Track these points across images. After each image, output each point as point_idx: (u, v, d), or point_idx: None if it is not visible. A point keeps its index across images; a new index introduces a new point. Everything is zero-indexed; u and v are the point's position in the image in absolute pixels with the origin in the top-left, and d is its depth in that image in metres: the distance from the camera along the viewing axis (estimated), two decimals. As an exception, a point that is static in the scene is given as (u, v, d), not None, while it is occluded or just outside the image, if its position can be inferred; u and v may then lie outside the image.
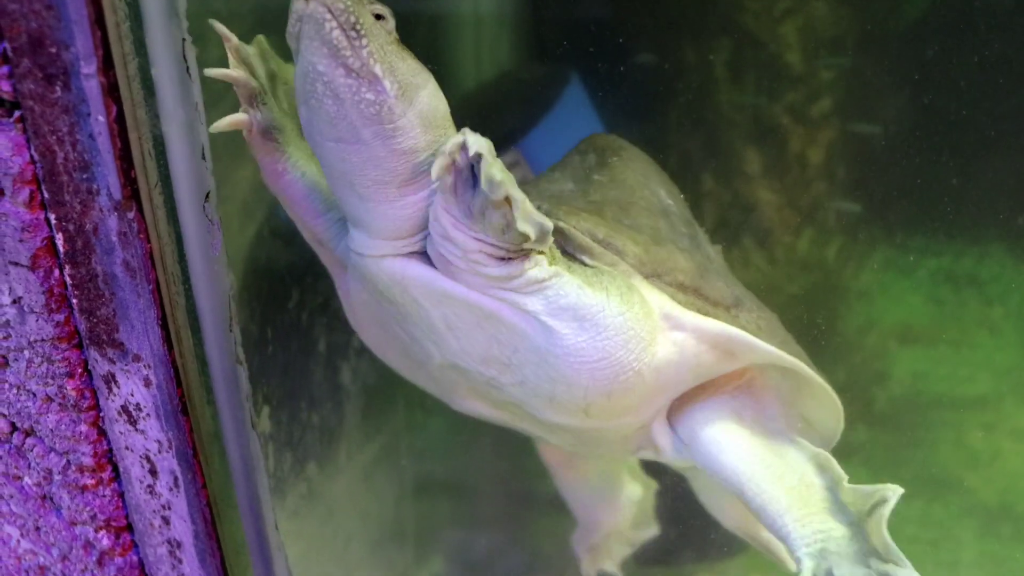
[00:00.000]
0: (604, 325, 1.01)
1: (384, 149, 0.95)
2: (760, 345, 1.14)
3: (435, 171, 0.90)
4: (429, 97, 0.97)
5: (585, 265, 1.08)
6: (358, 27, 0.90)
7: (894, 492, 1.14)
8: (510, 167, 1.52)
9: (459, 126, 1.67)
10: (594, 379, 1.04)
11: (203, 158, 1.01)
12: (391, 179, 0.98)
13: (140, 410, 1.11)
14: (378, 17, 0.95)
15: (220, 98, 1.25)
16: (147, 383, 1.08)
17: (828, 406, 1.28)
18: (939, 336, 1.73)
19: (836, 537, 1.12)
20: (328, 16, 0.89)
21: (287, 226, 1.52)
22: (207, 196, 1.03)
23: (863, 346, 1.73)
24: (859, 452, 1.80)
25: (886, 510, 1.13)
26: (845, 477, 1.19)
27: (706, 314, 1.13)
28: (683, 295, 1.14)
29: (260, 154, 1.11)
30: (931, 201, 1.66)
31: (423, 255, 1.03)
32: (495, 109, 1.64)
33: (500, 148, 1.52)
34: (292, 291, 1.39)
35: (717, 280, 1.20)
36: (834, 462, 1.22)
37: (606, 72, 1.63)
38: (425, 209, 1.00)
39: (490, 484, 1.75)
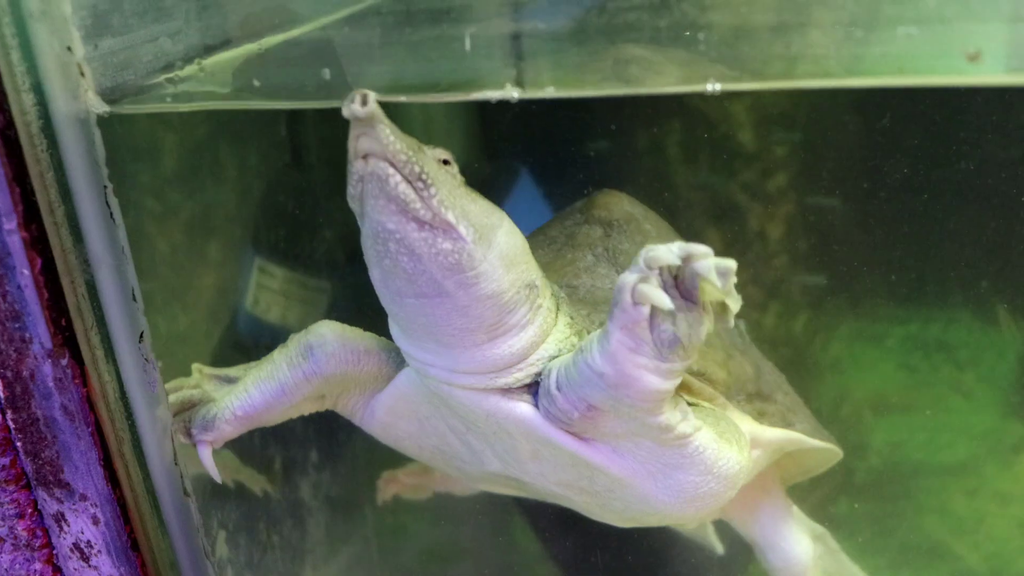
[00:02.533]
0: (726, 475, 0.98)
1: (468, 297, 0.89)
2: (811, 442, 1.19)
3: (647, 296, 0.81)
4: (506, 236, 0.92)
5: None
6: (424, 177, 0.85)
7: None
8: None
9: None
10: (692, 510, 1.02)
11: (134, 299, 1.02)
12: (477, 326, 0.92)
13: (91, 547, 1.11)
14: (444, 163, 0.91)
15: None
16: (95, 521, 1.08)
17: (830, 459, 1.34)
18: (914, 403, 1.72)
19: None
20: (391, 171, 0.83)
21: (248, 336, 1.53)
22: (140, 336, 1.04)
23: (838, 418, 1.72)
24: (844, 525, 1.77)
25: None
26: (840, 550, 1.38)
27: (764, 415, 1.12)
28: (750, 404, 1.13)
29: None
30: (894, 269, 1.66)
31: (523, 393, 0.98)
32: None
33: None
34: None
35: (764, 369, 1.21)
36: (828, 535, 1.39)
37: (556, 162, 1.64)
38: (516, 348, 0.95)
39: (469, 572, 1.74)
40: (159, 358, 1.11)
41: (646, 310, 0.82)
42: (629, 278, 0.82)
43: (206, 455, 1.12)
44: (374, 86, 0.83)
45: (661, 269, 0.82)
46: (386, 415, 1.12)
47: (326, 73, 0.99)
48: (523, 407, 0.97)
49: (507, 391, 0.97)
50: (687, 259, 0.81)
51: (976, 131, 1.57)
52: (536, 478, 1.06)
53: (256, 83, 1.06)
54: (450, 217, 0.86)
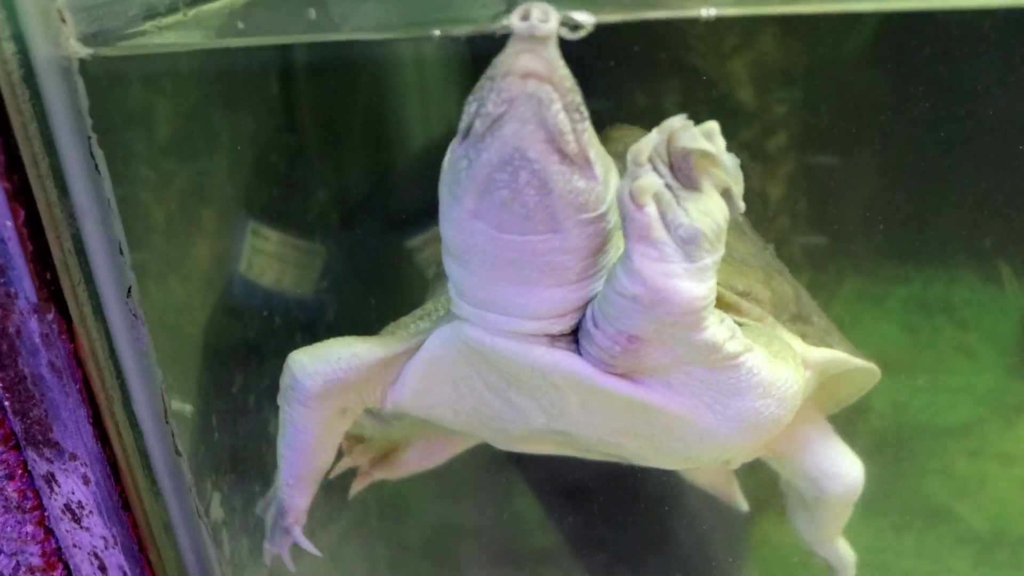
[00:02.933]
0: (785, 397, 0.94)
1: (581, 237, 0.85)
2: (855, 361, 1.17)
3: (643, 189, 0.79)
4: (616, 179, 0.88)
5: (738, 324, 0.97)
6: (581, 109, 0.80)
7: None
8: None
9: (405, 189, 1.68)
10: (754, 439, 0.98)
11: (120, 253, 1.00)
12: (574, 264, 0.88)
13: (83, 508, 1.09)
14: None
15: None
16: (86, 481, 1.07)
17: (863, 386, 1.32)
18: (916, 364, 1.70)
19: None
20: (555, 96, 0.77)
21: (242, 302, 1.51)
22: (128, 291, 1.02)
23: (840, 380, 1.71)
24: (846, 488, 1.77)
25: None
26: None
27: (806, 336, 1.10)
28: (794, 325, 1.11)
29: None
30: (896, 229, 1.64)
31: (568, 342, 0.94)
32: (438, 171, 1.62)
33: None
34: (235, 375, 1.38)
35: (800, 291, 1.19)
36: None
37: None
38: (594, 289, 0.91)
39: (472, 545, 1.73)
40: (156, 328, 1.10)
41: (652, 210, 0.79)
42: (624, 184, 0.80)
43: (302, 540, 1.20)
44: (363, 25, 0.80)
45: (652, 162, 0.80)
46: (419, 382, 1.06)
47: (311, 13, 0.96)
48: (568, 356, 0.93)
49: (553, 340, 0.93)
50: (671, 140, 0.79)
51: (981, 86, 1.55)
52: (586, 429, 1.02)
53: (240, 25, 1.04)
54: (592, 155, 0.81)
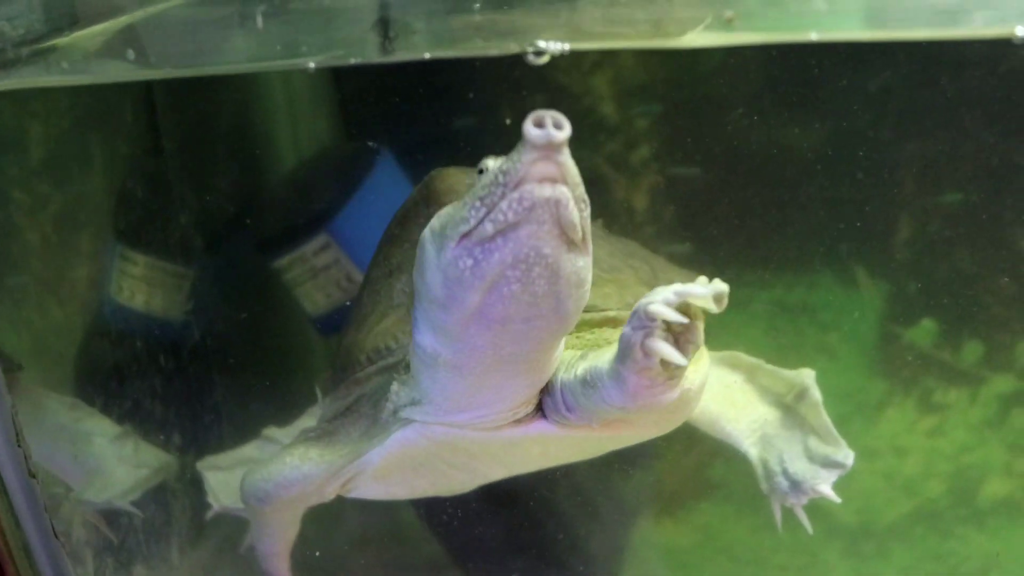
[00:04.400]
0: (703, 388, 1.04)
1: (574, 310, 0.88)
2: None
3: (657, 351, 0.83)
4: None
5: None
6: (585, 197, 0.82)
7: (809, 375, 1.34)
8: (320, 251, 1.54)
9: (270, 211, 1.69)
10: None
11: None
12: (556, 343, 0.93)
13: (-65, 535, 1.10)
14: None
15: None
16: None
17: None
18: (782, 366, 1.75)
19: (771, 420, 1.29)
20: (569, 194, 0.78)
21: (115, 324, 1.52)
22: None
23: (709, 384, 1.76)
24: (720, 488, 1.82)
25: (815, 393, 1.30)
26: (760, 361, 1.37)
27: None
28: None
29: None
30: (757, 236, 1.69)
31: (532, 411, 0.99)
32: (302, 192, 1.64)
33: (309, 232, 1.54)
34: (96, 399, 1.39)
35: (654, 262, 1.31)
36: (741, 354, 1.38)
37: (421, 141, 1.64)
38: (552, 371, 0.96)
39: (356, 556, 1.74)
40: (34, 353, 1.10)
41: (656, 359, 0.83)
42: (635, 336, 0.83)
43: None
44: (233, 57, 0.81)
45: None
46: (377, 479, 1.12)
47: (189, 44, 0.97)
48: (538, 425, 0.99)
49: (523, 419, 0.99)
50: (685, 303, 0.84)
51: (834, 98, 1.61)
52: (543, 463, 1.10)
53: (130, 54, 1.05)
54: (588, 235, 0.84)
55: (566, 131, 0.75)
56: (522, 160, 0.77)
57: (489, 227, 0.78)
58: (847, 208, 1.67)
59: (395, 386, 1.01)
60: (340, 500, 1.72)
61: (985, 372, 1.72)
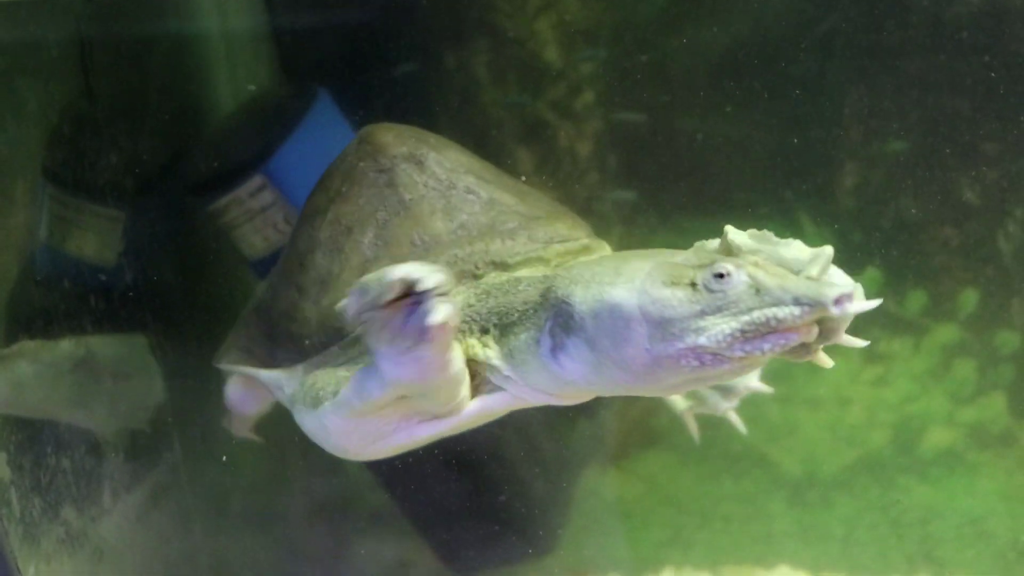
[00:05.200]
0: None
1: None
2: None
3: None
4: None
5: None
6: None
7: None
8: (256, 192, 1.51)
9: (205, 152, 1.67)
10: None
11: None
12: None
13: None
14: None
15: None
16: None
17: None
18: (726, 315, 1.75)
19: None
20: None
21: (49, 270, 1.50)
22: None
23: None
24: (663, 439, 1.82)
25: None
26: None
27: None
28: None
29: None
30: (700, 183, 1.69)
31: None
32: (238, 133, 1.62)
33: (244, 173, 1.51)
34: (19, 335, 1.37)
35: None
36: None
37: (362, 85, 1.62)
38: None
39: (298, 507, 1.73)
40: None
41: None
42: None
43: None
44: None
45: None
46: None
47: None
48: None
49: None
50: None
51: (776, 41, 1.60)
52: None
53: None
54: None
55: (860, 306, 0.81)
56: (803, 318, 0.79)
57: (739, 352, 0.81)
58: (792, 155, 1.66)
59: (496, 360, 0.99)
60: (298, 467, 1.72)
61: (929, 322, 1.72)
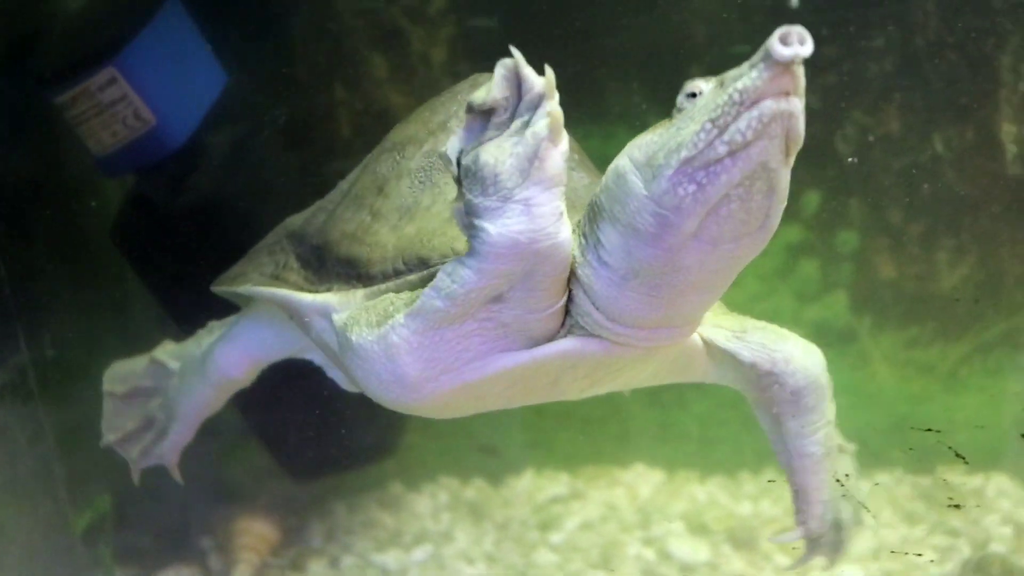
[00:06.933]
0: None
1: (777, 225, 0.86)
2: None
3: None
4: None
5: None
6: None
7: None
8: (106, 86, 1.51)
9: (52, 43, 1.65)
10: None
11: None
12: (751, 259, 0.90)
13: None
14: None
15: None
16: None
17: None
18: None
19: None
20: (801, 107, 0.78)
21: None
22: None
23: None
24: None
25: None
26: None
27: None
28: None
29: None
30: (557, 88, 1.72)
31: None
32: (88, 24, 1.59)
33: (94, 65, 1.50)
34: None
35: None
36: None
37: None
38: None
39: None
40: None
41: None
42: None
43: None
44: None
45: None
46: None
47: None
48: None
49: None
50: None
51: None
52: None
53: None
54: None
55: (810, 46, 0.74)
56: (763, 77, 0.75)
57: (722, 148, 0.78)
58: (641, 57, 1.70)
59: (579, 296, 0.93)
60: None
61: (773, 222, 1.78)
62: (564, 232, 0.85)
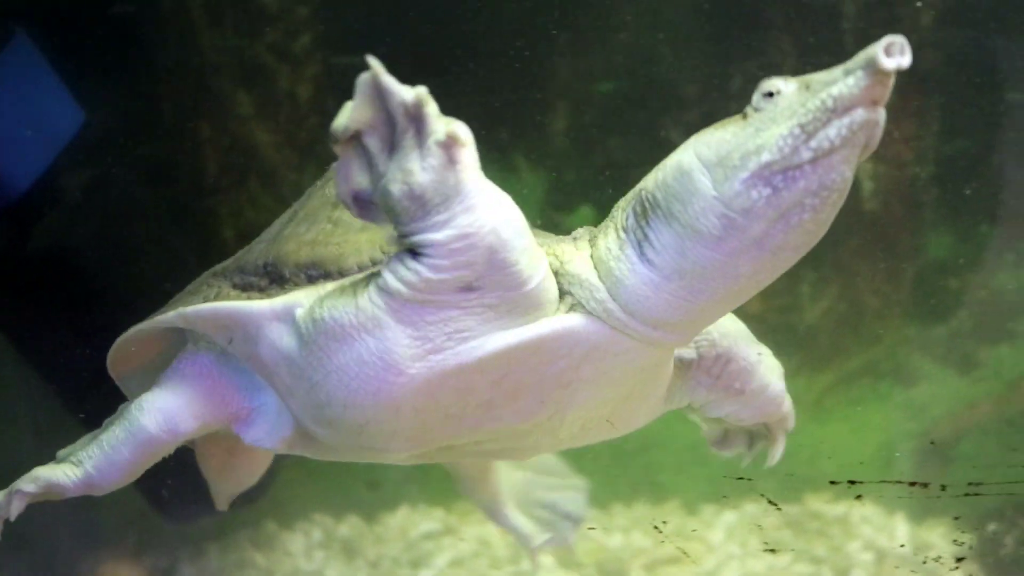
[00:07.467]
0: None
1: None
2: None
3: None
4: None
5: None
6: None
7: None
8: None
9: None
10: None
11: None
12: None
13: None
14: None
15: None
16: None
17: None
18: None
19: None
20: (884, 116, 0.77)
21: None
22: None
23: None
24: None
25: None
26: None
27: None
28: None
29: None
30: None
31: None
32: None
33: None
34: None
35: None
36: None
37: (69, 25, 1.59)
38: None
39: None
40: None
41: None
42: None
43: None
44: None
45: None
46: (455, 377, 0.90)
47: None
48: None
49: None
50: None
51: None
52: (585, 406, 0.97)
53: None
54: None
55: (910, 57, 0.73)
56: (860, 85, 0.75)
57: (806, 154, 0.76)
58: (507, 96, 1.72)
59: (589, 277, 0.89)
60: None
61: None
62: (506, 201, 0.82)
